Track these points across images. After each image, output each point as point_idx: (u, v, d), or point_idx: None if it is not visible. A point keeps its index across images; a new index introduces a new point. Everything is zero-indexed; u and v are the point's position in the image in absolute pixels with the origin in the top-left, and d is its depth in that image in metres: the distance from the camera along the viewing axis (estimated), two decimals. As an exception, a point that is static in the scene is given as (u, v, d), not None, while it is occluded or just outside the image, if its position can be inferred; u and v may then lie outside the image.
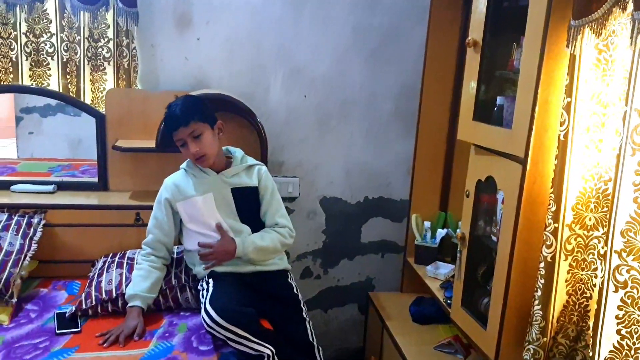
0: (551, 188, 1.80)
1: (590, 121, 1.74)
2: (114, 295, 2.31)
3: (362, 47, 3.12)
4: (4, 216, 2.53)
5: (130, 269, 2.44)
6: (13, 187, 2.79)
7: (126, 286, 2.33)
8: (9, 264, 2.35)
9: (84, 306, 2.29)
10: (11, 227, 2.47)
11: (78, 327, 2.21)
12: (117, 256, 2.59)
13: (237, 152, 2.50)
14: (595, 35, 1.61)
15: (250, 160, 2.49)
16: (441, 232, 2.92)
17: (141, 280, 2.30)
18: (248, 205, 2.41)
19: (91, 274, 2.54)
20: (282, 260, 2.47)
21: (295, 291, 2.41)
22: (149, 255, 2.37)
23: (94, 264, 2.64)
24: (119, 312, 2.31)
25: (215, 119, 2.36)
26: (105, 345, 2.07)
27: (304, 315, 2.32)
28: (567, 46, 1.70)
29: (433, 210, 3.05)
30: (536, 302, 1.85)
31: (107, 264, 2.53)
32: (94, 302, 2.29)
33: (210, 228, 2.33)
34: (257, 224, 2.42)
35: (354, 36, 3.10)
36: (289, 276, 2.48)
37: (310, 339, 2.29)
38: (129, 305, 2.25)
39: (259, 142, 2.80)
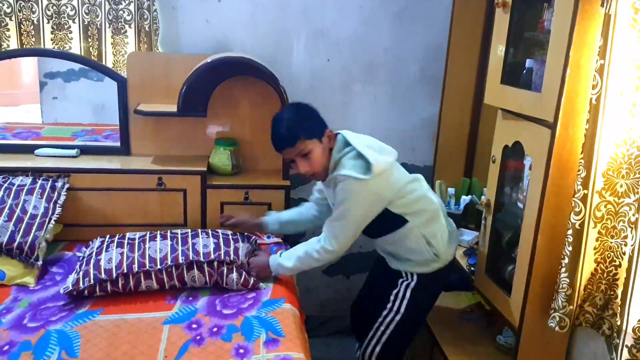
0: (581, 153, 1.75)
1: (624, 84, 1.67)
2: (114, 275, 2.16)
3: (387, 8, 3.04)
4: (28, 180, 2.55)
5: (132, 248, 2.28)
6: (37, 151, 2.80)
7: (127, 266, 2.18)
8: (34, 227, 2.37)
9: (81, 285, 2.14)
10: (35, 191, 2.49)
11: (102, 290, 2.24)
12: (117, 237, 2.39)
13: (332, 159, 2.16)
14: (632, -7, 1.55)
15: (338, 170, 2.12)
16: (465, 199, 2.88)
17: (286, 212, 2.59)
18: None
19: (87, 253, 2.36)
20: (402, 262, 2.30)
21: (393, 299, 2.29)
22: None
23: (88, 245, 2.47)
24: (118, 292, 2.19)
25: (323, 129, 2.17)
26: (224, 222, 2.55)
27: (377, 330, 2.31)
28: (602, 5, 1.63)
29: (457, 176, 3.01)
30: (563, 269, 1.82)
31: (105, 244, 2.34)
32: (92, 282, 2.15)
33: None
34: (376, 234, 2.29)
35: (379, -3, 3.03)
36: (406, 277, 2.29)
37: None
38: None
39: (281, 107, 2.77)
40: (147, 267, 2.20)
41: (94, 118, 3.22)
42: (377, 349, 2.29)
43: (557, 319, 1.85)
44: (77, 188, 2.65)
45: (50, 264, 2.44)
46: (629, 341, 1.64)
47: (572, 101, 1.78)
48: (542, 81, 1.89)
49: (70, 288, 2.15)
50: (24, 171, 2.61)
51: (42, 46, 2.79)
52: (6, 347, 1.86)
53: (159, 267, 2.21)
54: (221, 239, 2.37)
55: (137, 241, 2.34)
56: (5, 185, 2.49)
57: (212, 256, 2.27)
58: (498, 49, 2.16)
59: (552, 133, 1.82)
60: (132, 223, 2.71)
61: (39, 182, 2.55)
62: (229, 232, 2.47)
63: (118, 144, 2.90)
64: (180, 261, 2.23)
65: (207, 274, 2.26)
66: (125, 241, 2.35)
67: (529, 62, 2.06)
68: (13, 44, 2.76)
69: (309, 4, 2.98)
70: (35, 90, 3.22)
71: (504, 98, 2.14)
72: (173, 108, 2.69)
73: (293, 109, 2.24)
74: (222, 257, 2.27)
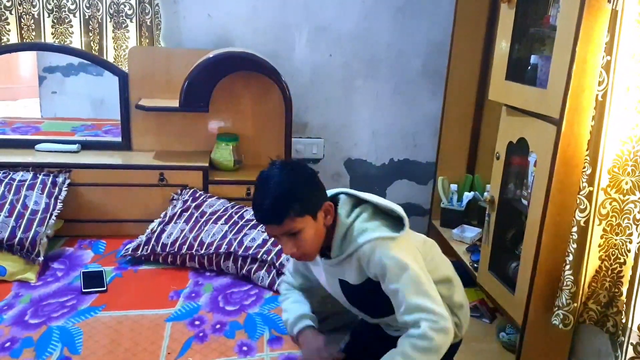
0: (587, 150, 1.74)
1: (630, 81, 1.66)
2: (167, 250, 2.40)
3: (389, 2, 3.03)
4: (29, 175, 2.53)
5: (193, 227, 2.44)
6: (37, 146, 2.79)
7: (179, 246, 2.39)
8: (35, 223, 2.36)
9: (138, 253, 2.42)
10: (36, 186, 2.48)
11: (104, 287, 2.22)
12: (198, 208, 2.55)
13: (340, 227, 1.65)
14: (639, -11, 1.54)
15: (352, 245, 1.61)
16: (468, 195, 2.87)
17: (301, 306, 1.88)
18: (364, 299, 1.75)
19: (175, 209, 2.57)
20: None
21: None
22: (290, 289, 1.96)
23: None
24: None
25: (321, 202, 1.62)
26: None
27: None
28: (609, 1, 1.62)
29: (460, 172, 3.00)
30: (567, 266, 1.81)
31: (182, 210, 2.55)
32: (148, 252, 2.41)
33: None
34: (387, 314, 1.71)
35: (381, -9, 3.01)
36: None
37: None
38: (298, 328, 1.82)
39: (283, 102, 2.75)
40: (193, 251, 2.37)
41: (93, 113, 3.20)
42: None
43: (561, 316, 1.85)
44: (78, 183, 2.63)
45: (51, 260, 2.42)
46: (634, 339, 1.64)
47: (578, 97, 1.77)
48: (548, 77, 1.88)
49: (130, 252, 2.43)
50: (24, 166, 2.59)
51: (42, 40, 2.77)
52: (8, 344, 1.85)
53: (202, 252, 2.35)
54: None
55: (205, 218, 2.49)
56: (6, 180, 2.47)
57: (250, 252, 2.30)
58: (502, 45, 2.15)
59: (557, 129, 1.81)
60: (133, 219, 2.70)
61: (40, 177, 2.53)
62: None
63: (119, 139, 2.89)
64: (221, 250, 2.34)
65: (239, 267, 2.32)
66: (197, 214, 2.52)
67: (533, 58, 2.05)
68: (13, 38, 2.74)
69: (310, -1, 2.98)
70: (34, 84, 3.20)
71: (508, 94, 2.13)
72: (175, 103, 2.68)
73: (286, 173, 1.61)
74: (260, 256, 2.29)
